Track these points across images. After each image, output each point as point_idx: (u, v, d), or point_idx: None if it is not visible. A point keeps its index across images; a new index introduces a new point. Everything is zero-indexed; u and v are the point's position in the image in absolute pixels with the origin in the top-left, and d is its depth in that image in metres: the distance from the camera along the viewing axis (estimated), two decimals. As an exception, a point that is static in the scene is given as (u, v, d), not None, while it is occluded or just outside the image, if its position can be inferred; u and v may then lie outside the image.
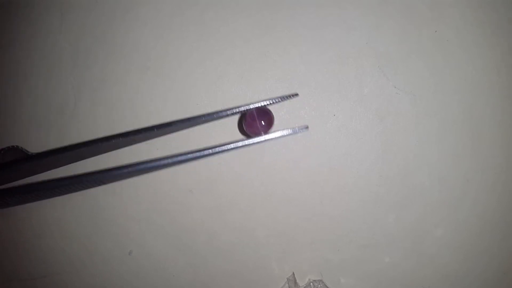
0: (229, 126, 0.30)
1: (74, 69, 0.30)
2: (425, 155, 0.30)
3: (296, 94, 0.27)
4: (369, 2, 0.30)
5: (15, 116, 0.30)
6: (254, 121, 0.26)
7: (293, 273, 0.31)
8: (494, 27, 0.31)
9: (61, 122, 0.30)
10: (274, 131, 0.26)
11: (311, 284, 0.30)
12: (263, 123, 0.26)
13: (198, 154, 0.26)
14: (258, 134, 0.26)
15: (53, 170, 0.27)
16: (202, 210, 0.30)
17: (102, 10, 0.30)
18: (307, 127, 0.26)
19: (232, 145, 0.26)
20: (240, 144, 0.26)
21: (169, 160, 0.26)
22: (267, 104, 0.26)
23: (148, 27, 0.30)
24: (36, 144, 0.30)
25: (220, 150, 0.26)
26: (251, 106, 0.26)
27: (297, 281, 0.30)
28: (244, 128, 0.28)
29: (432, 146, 0.30)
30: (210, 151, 0.26)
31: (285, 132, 0.26)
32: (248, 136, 0.27)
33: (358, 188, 0.30)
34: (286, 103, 0.30)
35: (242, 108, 0.26)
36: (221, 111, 0.26)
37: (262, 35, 0.30)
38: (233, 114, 0.26)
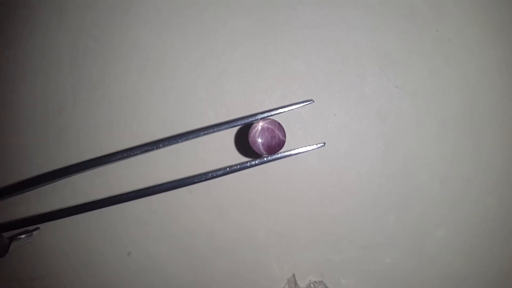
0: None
1: (73, 68, 0.29)
2: (426, 155, 0.30)
3: (311, 101, 0.26)
4: (370, 2, 0.30)
5: (14, 116, 0.30)
6: (274, 139, 0.25)
7: (294, 274, 0.31)
8: (496, 27, 0.30)
9: (60, 122, 0.29)
10: (291, 149, 0.26)
11: (312, 285, 0.30)
12: (280, 141, 0.25)
13: (215, 173, 0.26)
14: (272, 153, 0.25)
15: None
16: (202, 210, 0.30)
17: (101, 9, 0.30)
18: (323, 144, 0.26)
19: (256, 161, 0.25)
20: (263, 160, 0.25)
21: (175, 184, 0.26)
22: (275, 114, 0.25)
23: (147, 27, 0.29)
24: (34, 143, 0.29)
25: (239, 168, 0.25)
26: (259, 117, 0.25)
27: (298, 282, 0.30)
28: (258, 145, 0.25)
29: (433, 146, 0.30)
30: (227, 169, 0.26)
31: (302, 150, 0.26)
32: (253, 150, 0.25)
33: (359, 188, 0.30)
34: (286, 102, 0.29)
35: (249, 120, 0.25)
36: (227, 123, 0.25)
37: (262, 34, 0.29)
38: (238, 125, 0.26)
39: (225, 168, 0.25)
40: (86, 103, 0.29)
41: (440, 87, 0.30)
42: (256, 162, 0.25)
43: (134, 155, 0.25)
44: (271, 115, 0.25)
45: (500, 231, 0.31)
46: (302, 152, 0.26)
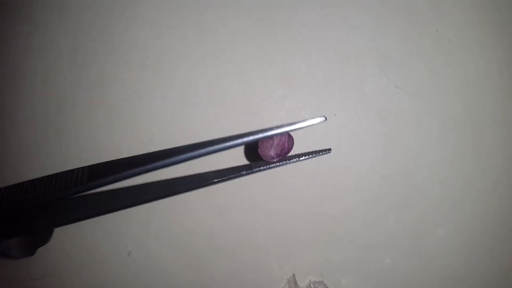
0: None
1: (73, 67, 0.29)
2: (426, 155, 0.30)
3: (323, 117, 0.25)
4: (370, 2, 0.30)
5: (13, 116, 0.30)
6: (284, 150, 0.26)
7: (294, 274, 0.31)
8: (496, 26, 0.30)
9: (60, 122, 0.29)
10: (299, 155, 0.26)
11: (312, 285, 0.30)
12: (289, 151, 0.26)
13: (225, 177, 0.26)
14: (281, 160, 0.26)
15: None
16: (202, 210, 0.30)
17: (101, 8, 0.30)
18: (329, 150, 0.26)
19: (265, 167, 0.26)
20: (271, 166, 0.26)
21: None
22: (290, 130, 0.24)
23: (147, 26, 0.29)
24: (34, 144, 0.29)
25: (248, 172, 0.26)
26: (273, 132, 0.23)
27: (298, 282, 0.30)
28: (268, 158, 0.26)
29: (433, 146, 0.30)
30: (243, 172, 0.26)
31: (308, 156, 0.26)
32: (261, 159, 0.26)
33: (359, 188, 0.30)
34: (287, 103, 0.29)
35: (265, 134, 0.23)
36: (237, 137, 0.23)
37: (262, 34, 0.29)
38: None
39: (236, 173, 0.26)
40: (86, 103, 0.29)
41: (440, 87, 0.30)
42: (265, 167, 0.26)
43: (146, 171, 0.24)
44: (285, 131, 0.24)
45: (500, 231, 0.31)
46: (310, 158, 0.26)
